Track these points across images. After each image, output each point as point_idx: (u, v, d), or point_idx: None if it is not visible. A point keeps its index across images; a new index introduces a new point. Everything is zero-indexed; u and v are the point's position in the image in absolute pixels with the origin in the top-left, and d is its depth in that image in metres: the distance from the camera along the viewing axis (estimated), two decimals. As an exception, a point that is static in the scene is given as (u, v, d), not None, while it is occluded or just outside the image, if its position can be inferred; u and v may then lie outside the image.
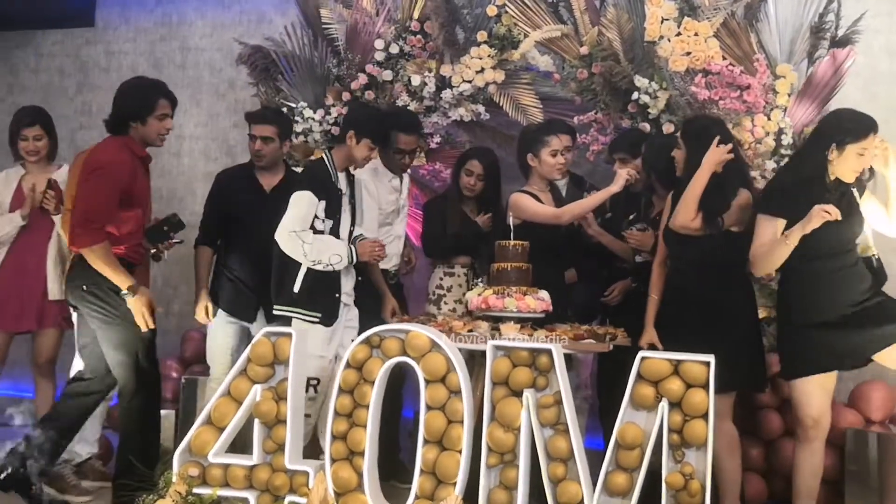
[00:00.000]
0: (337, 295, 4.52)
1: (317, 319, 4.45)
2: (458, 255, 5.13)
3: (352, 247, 4.49)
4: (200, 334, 5.75)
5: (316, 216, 4.42)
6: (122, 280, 4.22)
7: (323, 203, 4.45)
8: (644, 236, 4.59)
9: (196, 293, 4.97)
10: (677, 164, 4.25)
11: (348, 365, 3.96)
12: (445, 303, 5.05)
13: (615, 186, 4.55)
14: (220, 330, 4.96)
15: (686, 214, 4.07)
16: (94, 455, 4.88)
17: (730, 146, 4.10)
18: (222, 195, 5.00)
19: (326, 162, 4.57)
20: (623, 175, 4.54)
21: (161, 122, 4.36)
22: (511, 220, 4.56)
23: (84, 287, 4.28)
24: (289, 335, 4.00)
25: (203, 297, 4.94)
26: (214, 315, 4.94)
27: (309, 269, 4.43)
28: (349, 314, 4.63)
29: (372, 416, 3.90)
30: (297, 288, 4.44)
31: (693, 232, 4.09)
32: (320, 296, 4.47)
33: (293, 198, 4.42)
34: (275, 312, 4.54)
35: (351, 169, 4.65)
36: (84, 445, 4.78)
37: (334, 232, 4.50)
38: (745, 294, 4.19)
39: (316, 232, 4.41)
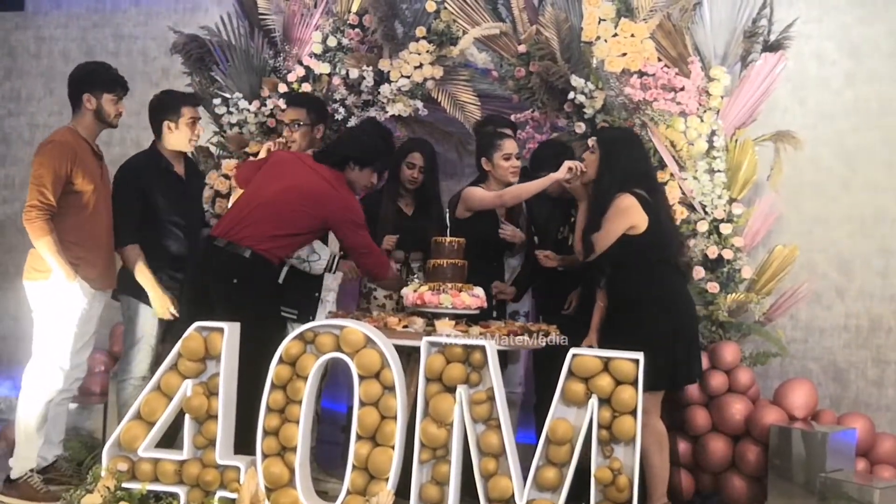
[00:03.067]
0: (316, 294, 4.59)
1: (294, 316, 4.54)
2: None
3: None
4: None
5: None
6: None
7: None
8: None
9: (153, 293, 4.57)
10: (587, 167, 4.34)
11: (281, 360, 3.95)
12: (375, 297, 5.00)
13: (559, 174, 4.49)
14: (147, 319, 4.66)
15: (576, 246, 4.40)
16: (60, 457, 4.61)
17: (567, 167, 4.39)
18: (138, 186, 4.68)
19: None
20: (567, 164, 4.48)
21: (367, 179, 4.62)
22: (448, 217, 4.57)
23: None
24: (221, 330, 3.96)
25: (159, 293, 4.56)
26: (177, 309, 4.59)
27: (291, 266, 4.51)
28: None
29: (305, 412, 3.89)
30: (280, 282, 4.53)
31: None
32: (299, 293, 4.56)
33: None
34: None
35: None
36: (50, 448, 4.56)
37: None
38: (662, 291, 4.17)
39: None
